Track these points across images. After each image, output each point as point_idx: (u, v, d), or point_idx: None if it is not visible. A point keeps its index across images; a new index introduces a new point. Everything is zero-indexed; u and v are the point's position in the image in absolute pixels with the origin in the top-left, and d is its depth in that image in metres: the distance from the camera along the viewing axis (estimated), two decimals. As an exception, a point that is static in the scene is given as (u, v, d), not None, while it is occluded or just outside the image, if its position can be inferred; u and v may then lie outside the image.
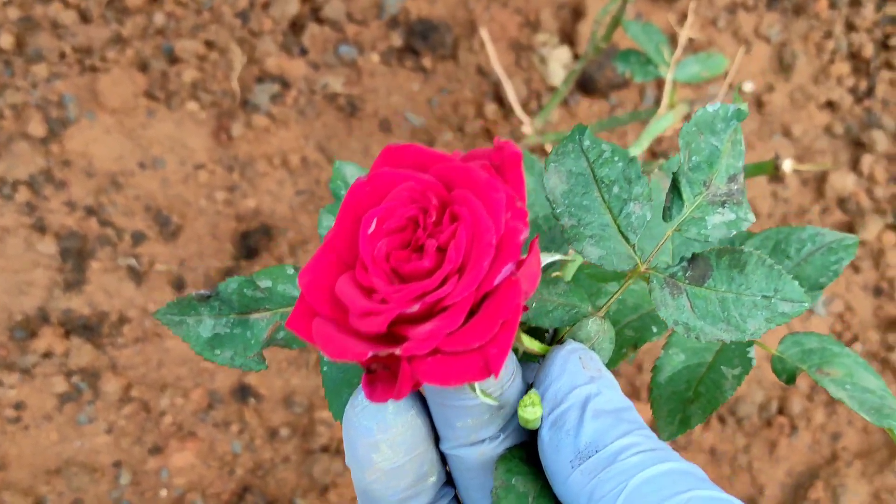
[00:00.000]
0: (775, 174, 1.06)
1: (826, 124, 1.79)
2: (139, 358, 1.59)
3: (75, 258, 1.61)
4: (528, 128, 1.52)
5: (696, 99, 1.35)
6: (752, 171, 1.15)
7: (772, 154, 1.76)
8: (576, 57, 1.75)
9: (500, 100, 1.76)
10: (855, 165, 1.75)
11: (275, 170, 1.69)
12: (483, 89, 1.76)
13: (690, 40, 1.79)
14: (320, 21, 1.76)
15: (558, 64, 1.77)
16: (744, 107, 0.54)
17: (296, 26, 1.76)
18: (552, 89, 1.76)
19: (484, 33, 1.72)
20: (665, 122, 1.31)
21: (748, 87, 1.27)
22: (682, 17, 1.82)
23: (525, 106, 1.76)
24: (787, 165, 1.09)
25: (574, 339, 0.49)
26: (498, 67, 1.71)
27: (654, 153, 1.75)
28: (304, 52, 1.74)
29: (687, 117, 1.35)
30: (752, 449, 1.59)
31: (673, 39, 1.78)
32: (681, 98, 1.38)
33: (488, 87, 1.76)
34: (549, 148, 1.73)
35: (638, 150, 1.14)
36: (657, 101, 1.78)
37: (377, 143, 1.71)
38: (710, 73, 1.35)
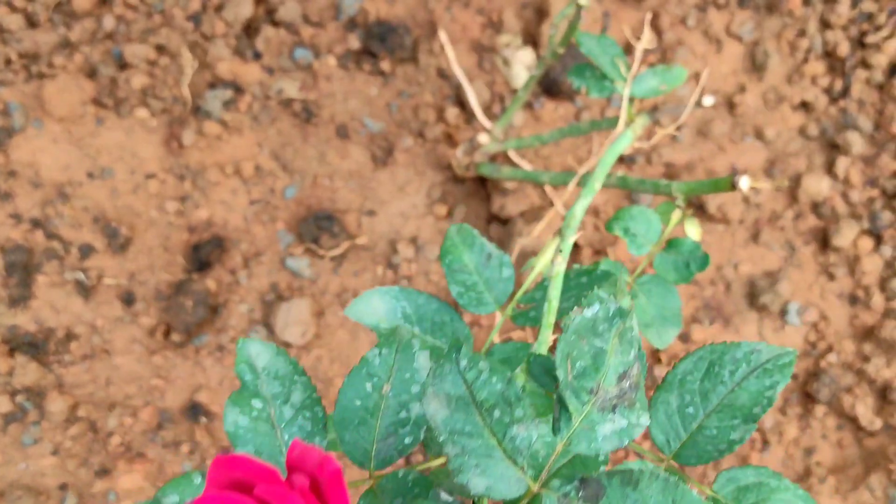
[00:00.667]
0: (732, 191, 1.02)
1: (800, 126, 1.75)
2: (87, 376, 1.56)
3: (21, 272, 1.57)
4: (484, 137, 1.48)
5: (659, 108, 1.31)
6: (709, 187, 1.12)
7: (745, 158, 1.73)
8: (540, 58, 1.70)
9: (462, 103, 1.72)
10: (830, 168, 1.72)
11: (228, 179, 1.65)
12: (444, 93, 1.72)
13: (658, 42, 1.75)
14: (275, 23, 1.73)
15: (522, 66, 1.73)
16: (626, 293, 0.51)
17: (250, 29, 1.72)
18: (516, 92, 1.72)
19: (443, 35, 1.68)
20: (623, 142, 1.27)
21: (708, 101, 1.23)
22: (653, 17, 1.79)
23: (488, 109, 1.72)
24: (744, 183, 1.06)
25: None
26: (458, 70, 1.67)
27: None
28: (258, 56, 1.70)
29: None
30: (721, 464, 1.55)
31: (631, 50, 1.74)
32: (640, 109, 1.34)
33: (450, 90, 1.72)
34: (512, 156, 1.69)
35: (568, 239, 1.06)
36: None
37: (334, 150, 1.67)
38: (669, 86, 1.31)
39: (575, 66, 1.39)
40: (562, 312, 0.94)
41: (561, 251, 0.95)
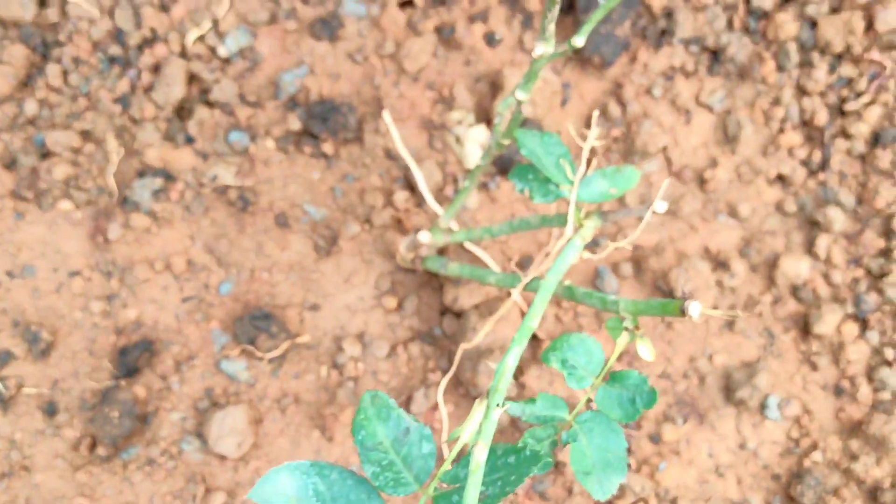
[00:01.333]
0: (681, 317, 0.91)
1: (777, 201, 1.65)
2: (5, 496, 1.45)
3: (-69, 385, 1.47)
4: (425, 236, 1.38)
5: (611, 210, 1.21)
6: (657, 310, 1.01)
7: (718, 237, 1.62)
8: (485, 150, 1.60)
9: (412, 186, 1.62)
10: (810, 247, 1.61)
11: (158, 275, 1.55)
12: (393, 175, 1.62)
13: (622, 115, 1.65)
14: (209, 104, 1.63)
15: (475, 144, 1.63)
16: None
17: (182, 111, 1.63)
18: (470, 171, 1.62)
19: (387, 116, 1.58)
20: (570, 253, 1.16)
21: (661, 207, 1.13)
22: (616, 87, 1.69)
23: (440, 191, 1.62)
24: (695, 310, 0.95)
25: None
26: (405, 152, 1.57)
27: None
28: (190, 140, 1.60)
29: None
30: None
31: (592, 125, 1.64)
32: (589, 211, 1.23)
33: (399, 171, 1.62)
34: (470, 247, 1.59)
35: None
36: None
37: (273, 241, 1.57)
38: (619, 189, 1.21)
39: (517, 167, 1.29)
40: (488, 500, 0.83)
41: (486, 420, 0.85)
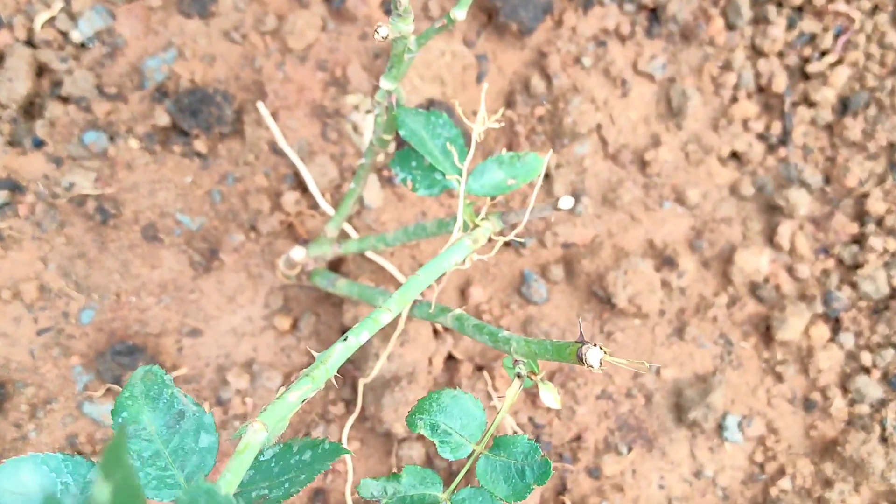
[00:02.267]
0: (579, 364, 0.70)
1: (731, 183, 1.44)
2: None
3: None
4: (300, 253, 1.16)
5: (508, 210, 0.99)
6: (552, 354, 0.81)
7: (663, 229, 1.41)
8: (369, 145, 1.38)
9: (304, 185, 1.40)
10: (771, 236, 1.40)
11: (6, 305, 1.34)
12: (281, 173, 1.40)
13: (547, 90, 1.43)
14: (62, 100, 1.40)
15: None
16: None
17: (30, 109, 1.40)
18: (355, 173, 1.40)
19: (263, 108, 1.36)
20: (457, 252, 0.95)
21: (566, 203, 0.91)
22: (539, 56, 1.46)
23: (337, 189, 1.41)
24: (594, 357, 0.74)
25: None
26: (289, 150, 1.36)
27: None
28: (40, 143, 1.38)
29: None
30: None
31: (512, 104, 1.42)
32: (491, 209, 1.02)
33: (287, 168, 1.40)
34: (372, 255, 1.37)
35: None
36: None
37: (140, 259, 1.36)
38: (519, 179, 1.00)
39: (398, 152, 1.08)
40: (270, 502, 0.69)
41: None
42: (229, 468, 0.66)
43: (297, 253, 1.22)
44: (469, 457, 0.84)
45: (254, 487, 0.73)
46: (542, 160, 1.04)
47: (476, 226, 1.03)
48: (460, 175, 1.02)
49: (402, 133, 1.03)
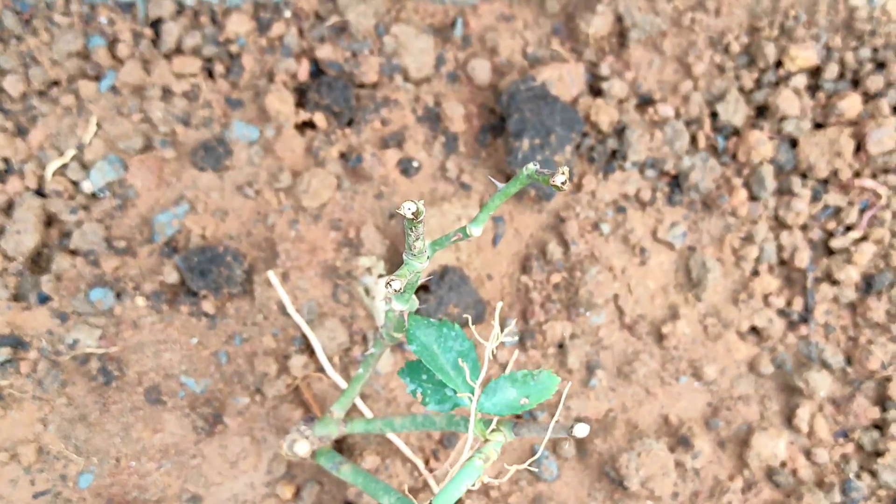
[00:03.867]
0: None
1: (750, 360, 1.44)
2: None
3: None
4: (304, 447, 1.16)
5: (521, 423, 1.00)
6: None
7: (679, 405, 1.41)
8: (377, 339, 1.40)
9: (312, 347, 1.40)
10: (790, 418, 1.40)
11: (3, 466, 1.37)
12: (289, 334, 1.41)
13: (564, 257, 1.43)
14: (70, 252, 1.42)
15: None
16: None
17: (37, 262, 1.41)
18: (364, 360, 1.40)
19: (272, 277, 1.37)
20: (468, 476, 0.95)
21: (581, 431, 0.91)
22: (557, 221, 1.47)
23: (347, 353, 1.42)
24: None
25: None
26: (297, 317, 1.36)
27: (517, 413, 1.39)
28: (45, 298, 1.39)
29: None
30: None
31: (528, 269, 1.42)
32: (500, 424, 1.02)
33: (296, 330, 1.42)
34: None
35: None
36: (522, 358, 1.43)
37: (142, 422, 1.37)
38: (533, 399, 1.01)
39: (408, 363, 1.09)
40: None
41: None
42: None
43: (301, 448, 1.22)
44: None
45: None
46: (557, 380, 1.04)
47: (487, 440, 1.03)
48: (472, 392, 1.03)
49: (412, 348, 1.04)
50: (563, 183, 0.84)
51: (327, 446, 1.34)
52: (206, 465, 1.42)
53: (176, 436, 1.42)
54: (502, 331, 1.44)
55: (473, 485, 1.04)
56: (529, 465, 1.25)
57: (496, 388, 1.05)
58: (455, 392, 1.06)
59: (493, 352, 1.04)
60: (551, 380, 1.06)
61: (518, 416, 1.44)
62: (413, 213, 0.82)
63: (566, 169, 0.84)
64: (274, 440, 1.43)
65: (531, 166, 0.92)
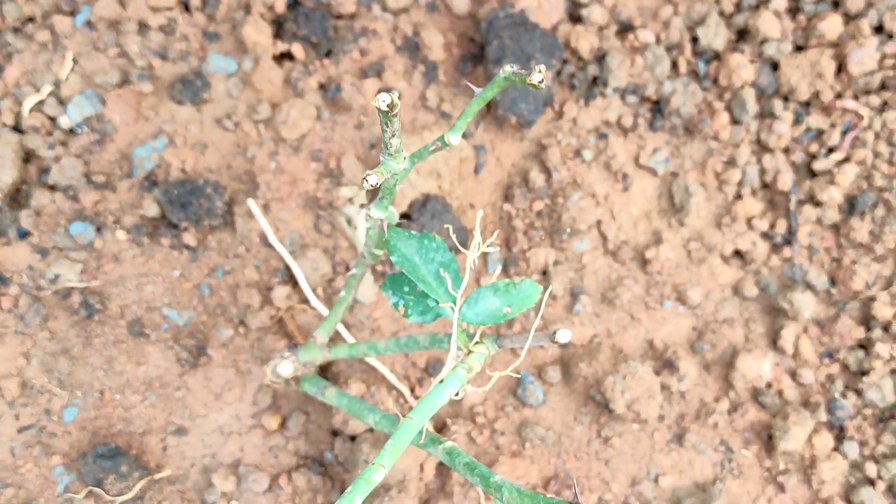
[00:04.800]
0: None
1: (734, 283, 1.45)
2: None
3: None
4: (287, 367, 1.17)
5: (506, 335, 1.01)
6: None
7: (663, 329, 1.42)
8: (359, 258, 1.41)
9: (295, 279, 1.41)
10: (774, 339, 1.41)
11: (-13, 402, 1.35)
12: (272, 266, 1.42)
13: (546, 184, 1.44)
14: (49, 188, 1.42)
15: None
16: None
17: (16, 198, 1.42)
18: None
19: (253, 206, 1.38)
20: (451, 385, 0.97)
21: (564, 336, 0.92)
22: (539, 149, 1.48)
23: (330, 283, 1.42)
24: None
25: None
26: (279, 246, 1.37)
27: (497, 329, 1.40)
28: (25, 234, 1.40)
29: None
30: None
31: (511, 198, 1.43)
32: (486, 332, 1.03)
33: (278, 261, 1.42)
34: (369, 359, 1.39)
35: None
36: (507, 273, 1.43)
37: (126, 355, 1.38)
38: (515, 308, 1.02)
39: (390, 276, 1.09)
40: None
41: None
42: None
43: (285, 368, 1.23)
44: None
45: None
46: (539, 288, 1.05)
47: (470, 351, 1.04)
48: (454, 302, 1.04)
49: (393, 259, 1.05)
50: (539, 82, 0.85)
51: (312, 372, 1.35)
52: (191, 397, 1.43)
53: (160, 368, 1.43)
54: (484, 242, 1.45)
55: (457, 394, 1.05)
56: (513, 370, 1.27)
57: (478, 297, 1.06)
58: (437, 303, 1.07)
59: (474, 261, 1.05)
60: (533, 288, 1.07)
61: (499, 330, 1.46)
62: (388, 106, 0.83)
63: (542, 67, 0.85)
64: (259, 372, 1.44)
65: (508, 68, 0.92)
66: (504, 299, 1.06)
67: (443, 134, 0.96)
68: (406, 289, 1.09)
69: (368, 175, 0.90)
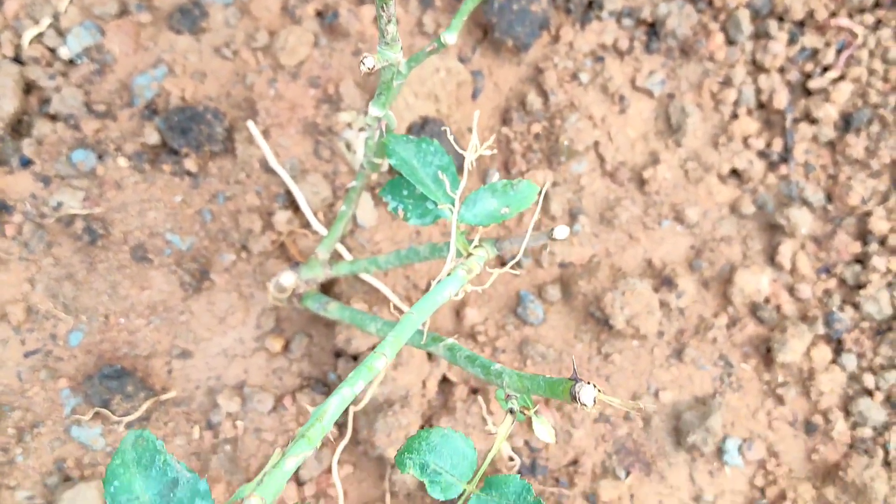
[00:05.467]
0: (572, 402, 0.74)
1: (731, 201, 1.47)
2: None
3: None
4: (289, 277, 1.20)
5: (503, 237, 1.03)
6: (545, 390, 0.84)
7: (662, 248, 1.44)
8: (360, 168, 1.43)
9: (296, 204, 1.43)
10: (772, 256, 1.43)
11: (-7, 327, 1.37)
12: (273, 191, 1.44)
13: (544, 107, 1.46)
14: (51, 117, 1.44)
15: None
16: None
17: (18, 127, 1.44)
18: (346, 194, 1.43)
19: (252, 127, 1.40)
20: (452, 284, 0.99)
21: (561, 232, 0.94)
22: (536, 72, 1.49)
23: (330, 208, 1.44)
24: (587, 396, 0.77)
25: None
26: (280, 169, 1.40)
27: (500, 260, 1.43)
28: (27, 162, 1.42)
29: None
30: None
31: (509, 122, 1.45)
32: (485, 235, 1.05)
33: (279, 187, 1.44)
34: (365, 276, 1.41)
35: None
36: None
37: (130, 280, 1.40)
38: (513, 208, 1.03)
39: (389, 181, 1.11)
40: None
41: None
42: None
43: (287, 278, 1.25)
44: (460, 497, 0.87)
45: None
46: (536, 188, 1.07)
47: (470, 254, 1.06)
48: (453, 204, 1.06)
49: (392, 162, 1.06)
50: None
51: (314, 289, 1.37)
52: (195, 321, 1.45)
53: (164, 293, 1.45)
54: (484, 138, 1.47)
55: (457, 294, 1.07)
56: (511, 267, 1.29)
57: (476, 199, 1.08)
58: (436, 205, 1.08)
59: (471, 163, 1.07)
60: (531, 188, 1.09)
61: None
62: (382, -17, 0.85)
63: None
64: (261, 296, 1.46)
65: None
66: (502, 200, 1.08)
67: (439, 36, 0.97)
68: (405, 192, 1.11)
69: (365, 57, 0.92)
